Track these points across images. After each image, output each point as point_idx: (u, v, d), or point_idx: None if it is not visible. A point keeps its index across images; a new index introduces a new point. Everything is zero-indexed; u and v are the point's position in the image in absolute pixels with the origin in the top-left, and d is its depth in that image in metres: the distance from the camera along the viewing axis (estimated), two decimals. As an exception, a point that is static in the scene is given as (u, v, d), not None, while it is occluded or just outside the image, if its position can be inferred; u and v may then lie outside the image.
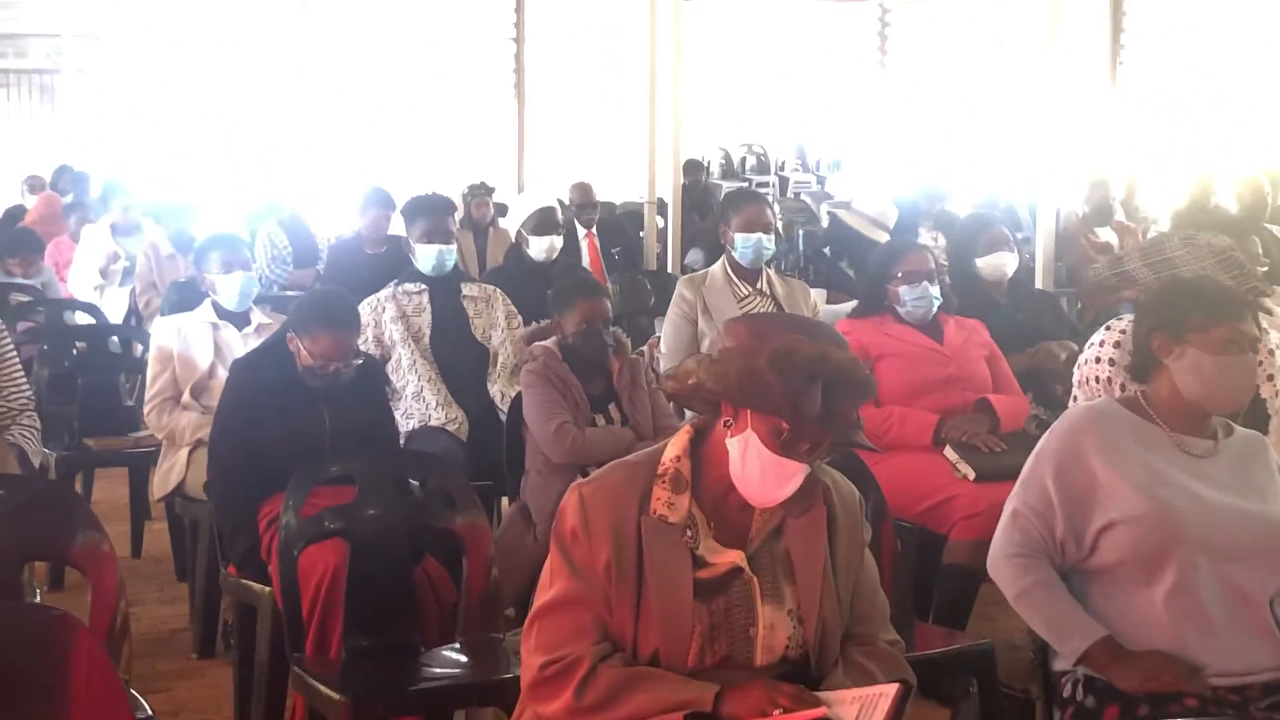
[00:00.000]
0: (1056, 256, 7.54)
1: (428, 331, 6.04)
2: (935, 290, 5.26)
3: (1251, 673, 3.21)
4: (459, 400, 5.88)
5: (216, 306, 5.78)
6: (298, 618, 4.05)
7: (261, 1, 18.65)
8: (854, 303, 5.68)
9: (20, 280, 8.83)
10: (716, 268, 6.08)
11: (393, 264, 6.92)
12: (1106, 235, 9.70)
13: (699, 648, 2.79)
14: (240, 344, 5.64)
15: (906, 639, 3.15)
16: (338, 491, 4.19)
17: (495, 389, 5.99)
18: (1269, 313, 4.57)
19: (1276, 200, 10.21)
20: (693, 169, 14.88)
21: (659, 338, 6.33)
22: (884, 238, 7.62)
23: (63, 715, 2.70)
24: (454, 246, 6.24)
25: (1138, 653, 3.22)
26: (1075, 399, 4.62)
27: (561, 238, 7.33)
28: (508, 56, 14.71)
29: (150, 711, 3.25)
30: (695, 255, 10.56)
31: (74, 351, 7.03)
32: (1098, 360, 4.52)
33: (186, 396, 5.63)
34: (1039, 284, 7.09)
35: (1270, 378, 4.43)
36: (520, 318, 6.23)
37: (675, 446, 2.87)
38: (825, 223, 9.93)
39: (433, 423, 5.77)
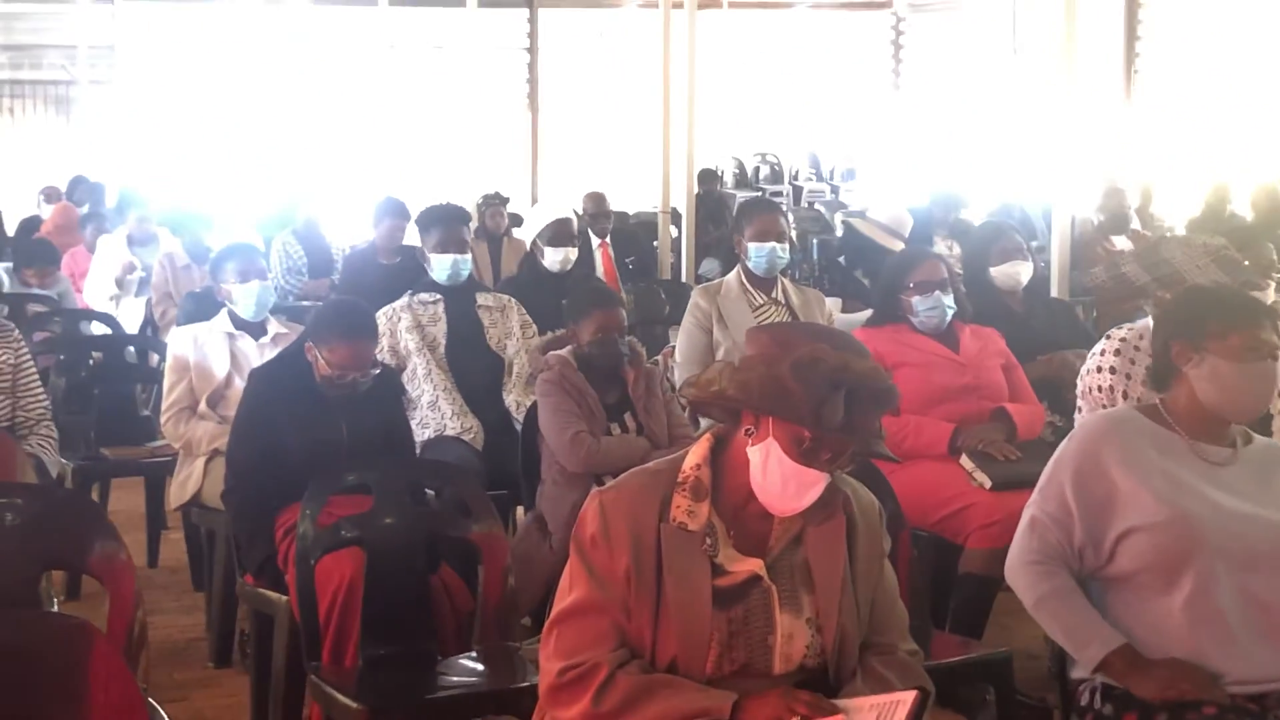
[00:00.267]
0: (1072, 265, 7.51)
1: (443, 341, 6.04)
2: (949, 299, 5.24)
3: (1270, 681, 3.20)
4: (474, 410, 5.88)
5: (233, 316, 5.79)
6: (314, 626, 4.05)
7: (276, 13, 18.70)
8: (869, 311, 5.67)
9: (37, 290, 8.85)
10: (731, 277, 6.08)
11: (407, 274, 6.94)
12: (1122, 243, 9.67)
13: (717, 655, 2.79)
14: (257, 353, 5.65)
15: (923, 648, 3.15)
16: (354, 500, 4.20)
17: (510, 398, 5.99)
18: None
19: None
20: (707, 179, 14.90)
21: (673, 347, 6.33)
22: (898, 246, 7.60)
23: (81, 722, 2.71)
24: (469, 256, 6.26)
25: (1156, 661, 3.21)
26: (1080, 410, 4.62)
27: (576, 249, 7.35)
28: (521, 67, 14.74)
29: (167, 719, 3.25)
30: (710, 265, 10.58)
31: (90, 361, 7.04)
32: (1099, 370, 4.54)
33: (203, 406, 5.65)
34: (1054, 292, 7.07)
35: None
36: (535, 327, 6.23)
37: (696, 454, 2.87)
38: (839, 232, 9.92)
39: (448, 432, 5.77)
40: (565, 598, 2.86)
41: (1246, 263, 4.55)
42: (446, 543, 4.23)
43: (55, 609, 4.46)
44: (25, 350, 5.36)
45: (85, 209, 12.88)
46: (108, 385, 6.88)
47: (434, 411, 5.83)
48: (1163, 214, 12.33)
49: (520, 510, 5.63)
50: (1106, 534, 3.30)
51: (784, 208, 7.68)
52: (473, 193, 12.27)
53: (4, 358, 5.23)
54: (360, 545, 4.09)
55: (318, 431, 4.60)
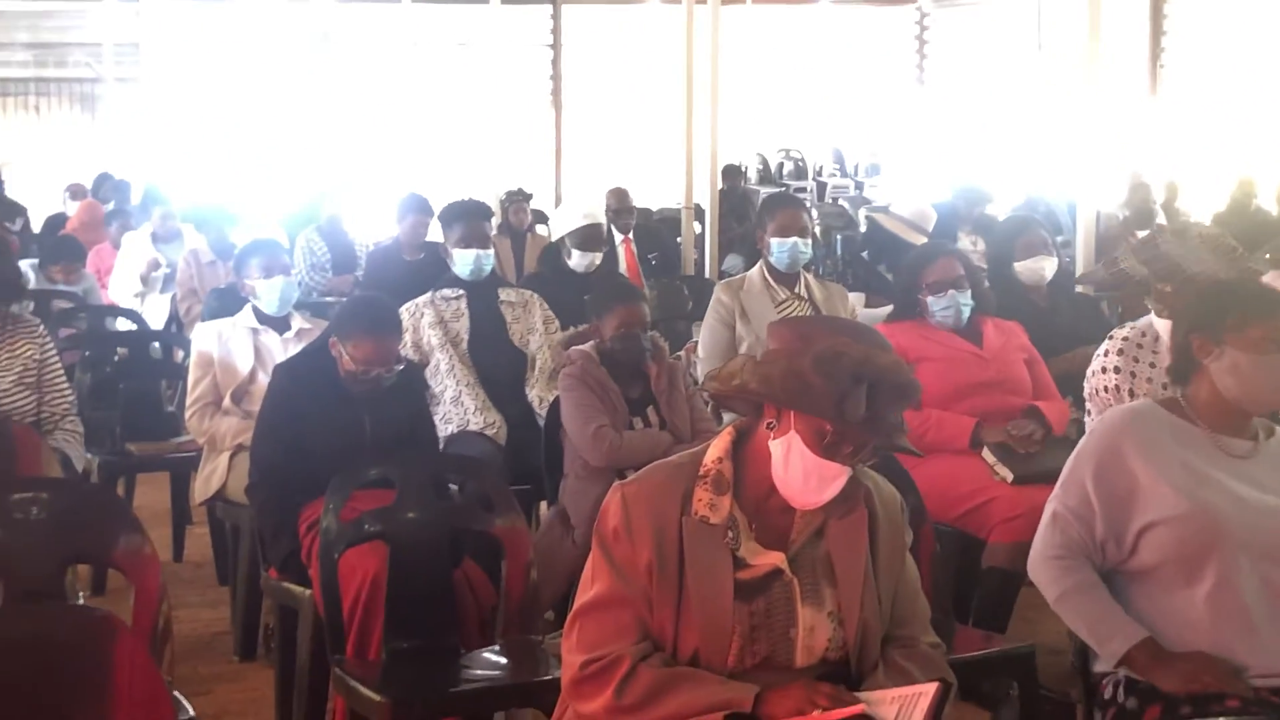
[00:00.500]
0: (1097, 260, 7.49)
1: (466, 337, 6.05)
2: (965, 297, 5.22)
3: (1294, 674, 3.19)
4: (497, 405, 5.89)
5: (257, 311, 5.81)
6: (338, 620, 4.06)
7: (299, 11, 18.74)
8: (891, 307, 5.67)
9: (63, 287, 8.89)
10: (754, 272, 6.08)
11: (431, 270, 6.94)
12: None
13: (739, 648, 2.79)
14: (281, 349, 5.67)
15: (946, 642, 3.14)
16: (378, 495, 4.21)
17: (533, 393, 6.00)
18: None
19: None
20: (731, 175, 14.89)
21: (696, 342, 6.33)
22: (921, 240, 7.60)
23: (107, 714, 2.73)
24: (491, 251, 6.27)
25: (1179, 654, 3.20)
26: (1088, 413, 4.62)
27: (603, 255, 7.40)
28: (545, 64, 14.75)
29: (193, 713, 3.28)
30: (733, 261, 10.56)
31: (115, 358, 7.07)
32: (1104, 370, 4.55)
33: (227, 401, 5.66)
34: (1079, 288, 7.06)
35: None
36: (557, 322, 6.24)
37: (717, 448, 2.87)
38: (863, 227, 9.91)
39: (471, 427, 5.79)
40: (587, 591, 2.86)
41: (1241, 250, 4.55)
42: (469, 537, 4.24)
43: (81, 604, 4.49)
44: (51, 346, 5.40)
45: (110, 206, 12.94)
46: (133, 381, 6.90)
47: (457, 407, 5.84)
48: (1188, 209, 12.29)
49: (543, 505, 5.64)
50: (1128, 528, 3.29)
51: (807, 204, 7.67)
52: (496, 189, 12.29)
53: (30, 353, 5.27)
54: (383, 539, 4.11)
55: (342, 426, 4.61)
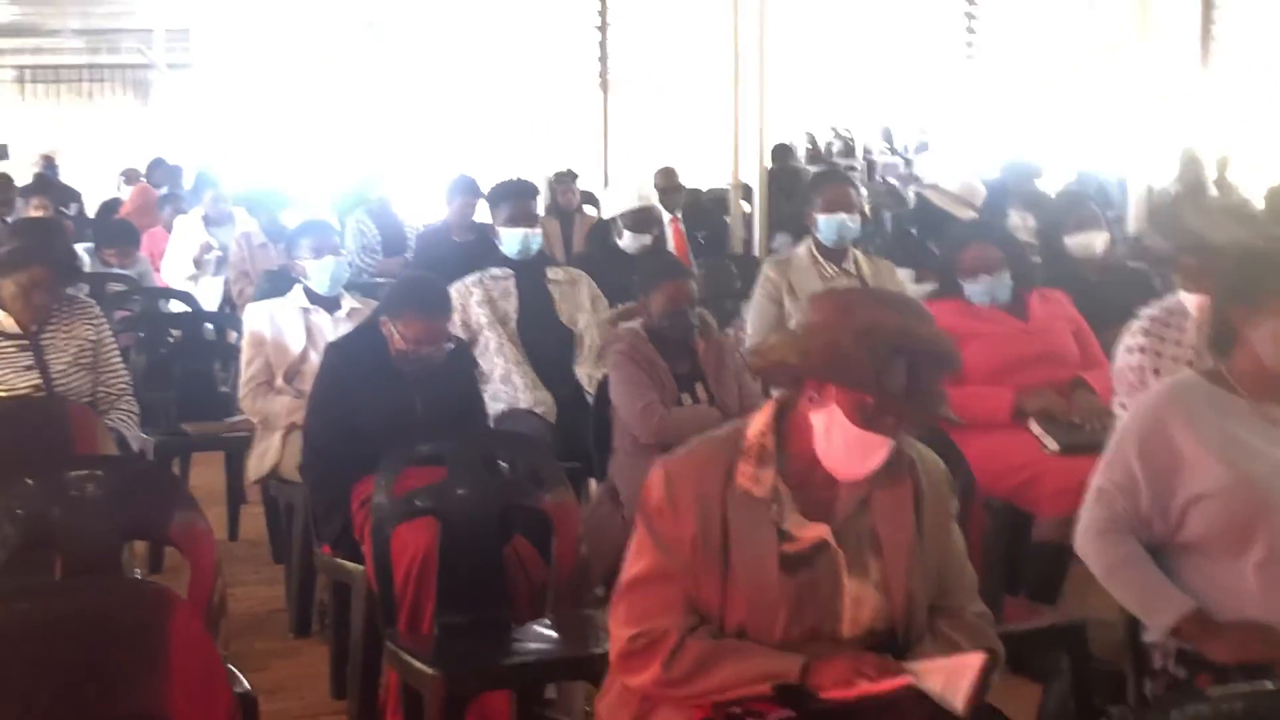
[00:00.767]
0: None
1: (514, 316, 6.08)
2: (1002, 279, 5.19)
3: (1344, 642, 3.17)
4: (546, 383, 5.92)
5: (308, 291, 5.85)
6: (390, 595, 4.10)
7: (349, -7, 18.81)
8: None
9: (117, 270, 8.98)
10: (802, 249, 6.08)
11: (480, 251, 6.98)
12: (1199, 212, 9.55)
13: (786, 621, 2.80)
14: (331, 328, 5.71)
15: (996, 616, 3.14)
16: (429, 472, 4.24)
17: (582, 371, 6.02)
18: None
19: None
20: (780, 153, 14.85)
21: (744, 321, 6.33)
22: (970, 215, 7.57)
23: (163, 687, 2.77)
24: (538, 230, 6.29)
25: (1229, 624, 3.19)
26: (1115, 394, 4.58)
27: (653, 237, 7.41)
28: (592, 44, 14.72)
29: (249, 686, 3.31)
30: (782, 240, 10.53)
31: (170, 339, 7.15)
32: (1128, 351, 4.52)
33: (280, 381, 5.71)
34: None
35: None
36: (605, 300, 6.26)
37: (759, 421, 2.88)
38: (912, 204, 9.88)
39: (521, 405, 5.82)
40: (633, 566, 2.88)
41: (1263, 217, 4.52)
42: (520, 513, 4.27)
43: (138, 580, 4.54)
44: (106, 327, 5.46)
45: (163, 190, 13.05)
46: (187, 362, 6.98)
47: (506, 385, 5.87)
48: (1240, 183, 12.17)
49: (593, 482, 5.66)
50: (1174, 501, 3.28)
51: (857, 182, 7.65)
52: (544, 170, 12.30)
53: (86, 334, 5.34)
54: (435, 515, 4.14)
55: (393, 404, 4.65)
